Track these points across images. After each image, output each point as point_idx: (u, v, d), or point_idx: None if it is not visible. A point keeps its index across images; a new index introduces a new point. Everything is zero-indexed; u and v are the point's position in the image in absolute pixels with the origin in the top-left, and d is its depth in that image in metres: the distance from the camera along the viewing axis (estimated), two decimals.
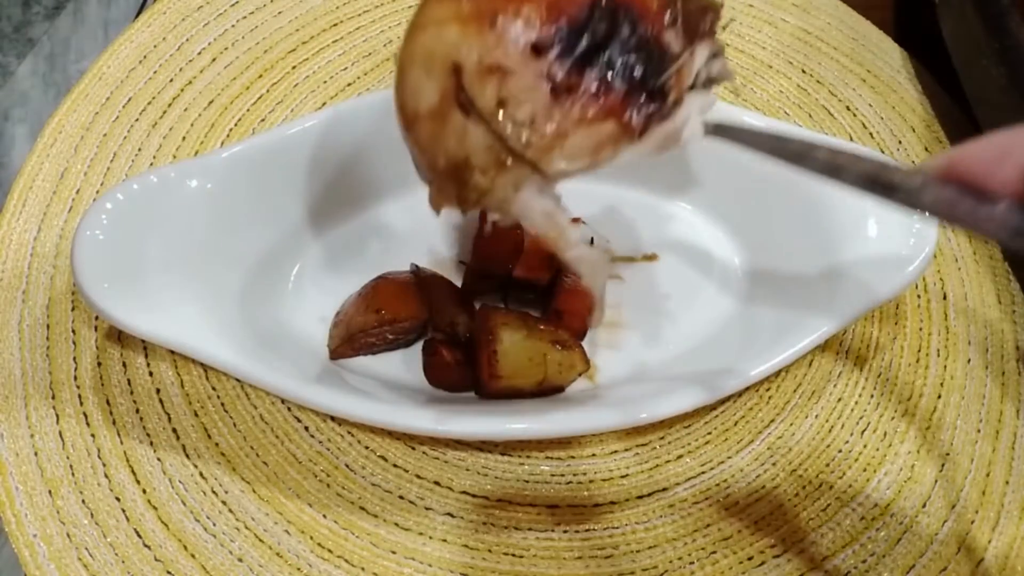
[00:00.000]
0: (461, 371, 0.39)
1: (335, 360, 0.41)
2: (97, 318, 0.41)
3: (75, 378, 0.40)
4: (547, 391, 0.39)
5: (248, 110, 0.49)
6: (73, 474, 0.38)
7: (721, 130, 0.30)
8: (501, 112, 0.27)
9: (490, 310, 0.39)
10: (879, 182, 0.24)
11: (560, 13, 0.27)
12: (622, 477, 0.40)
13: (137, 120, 0.48)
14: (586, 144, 0.27)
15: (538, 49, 0.26)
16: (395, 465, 0.39)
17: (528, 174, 0.27)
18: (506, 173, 0.27)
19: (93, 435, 0.39)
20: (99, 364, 0.40)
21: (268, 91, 0.50)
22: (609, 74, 0.27)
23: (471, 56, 0.27)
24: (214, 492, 0.38)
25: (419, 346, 0.41)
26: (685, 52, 0.28)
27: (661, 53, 0.28)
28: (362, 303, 0.41)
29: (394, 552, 0.37)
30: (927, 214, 0.23)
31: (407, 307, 0.40)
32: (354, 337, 0.40)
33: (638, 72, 0.27)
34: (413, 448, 0.40)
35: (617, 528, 0.38)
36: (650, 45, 0.28)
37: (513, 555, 0.38)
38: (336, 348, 0.40)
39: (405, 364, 0.42)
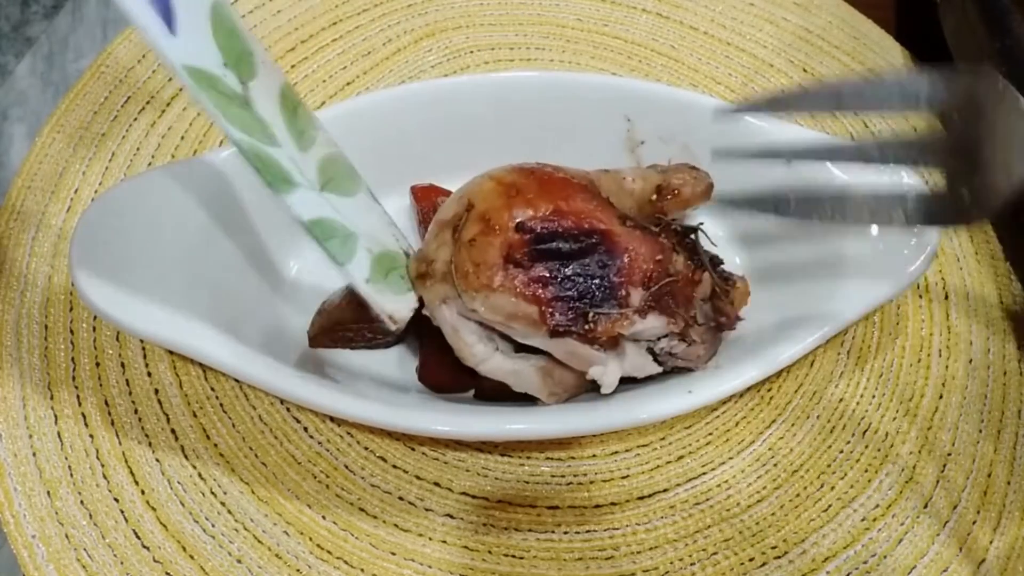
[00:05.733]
0: (455, 373, 0.39)
1: (314, 348, 0.41)
2: (95, 318, 0.41)
3: (73, 378, 0.40)
4: None
5: None
6: (72, 475, 0.37)
7: None
8: (467, 247, 0.35)
9: None
10: None
11: (554, 218, 0.35)
12: (623, 478, 0.40)
13: (136, 119, 0.47)
14: (504, 307, 0.34)
15: (519, 228, 0.34)
16: (395, 466, 0.39)
17: (453, 295, 0.35)
18: (441, 285, 0.36)
19: (92, 436, 0.38)
20: (97, 364, 0.40)
21: None
22: (556, 277, 0.34)
23: (481, 205, 0.35)
24: (213, 493, 0.38)
25: (409, 346, 0.41)
26: (631, 310, 0.34)
27: (615, 296, 0.34)
28: (347, 296, 0.40)
29: (394, 553, 0.37)
30: None
31: None
32: (333, 328, 0.40)
33: (582, 293, 0.34)
34: (413, 449, 0.40)
35: (618, 529, 0.38)
36: (609, 285, 0.34)
37: (513, 556, 0.37)
38: (314, 336, 0.40)
39: (400, 363, 0.41)
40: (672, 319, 0.35)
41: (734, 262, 0.45)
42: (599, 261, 0.35)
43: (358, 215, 0.38)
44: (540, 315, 0.34)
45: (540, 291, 0.34)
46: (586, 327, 0.34)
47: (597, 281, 0.34)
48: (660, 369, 0.37)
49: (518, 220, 0.35)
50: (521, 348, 0.37)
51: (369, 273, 0.37)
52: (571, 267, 0.34)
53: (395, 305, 0.38)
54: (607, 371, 0.35)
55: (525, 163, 0.38)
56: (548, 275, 0.34)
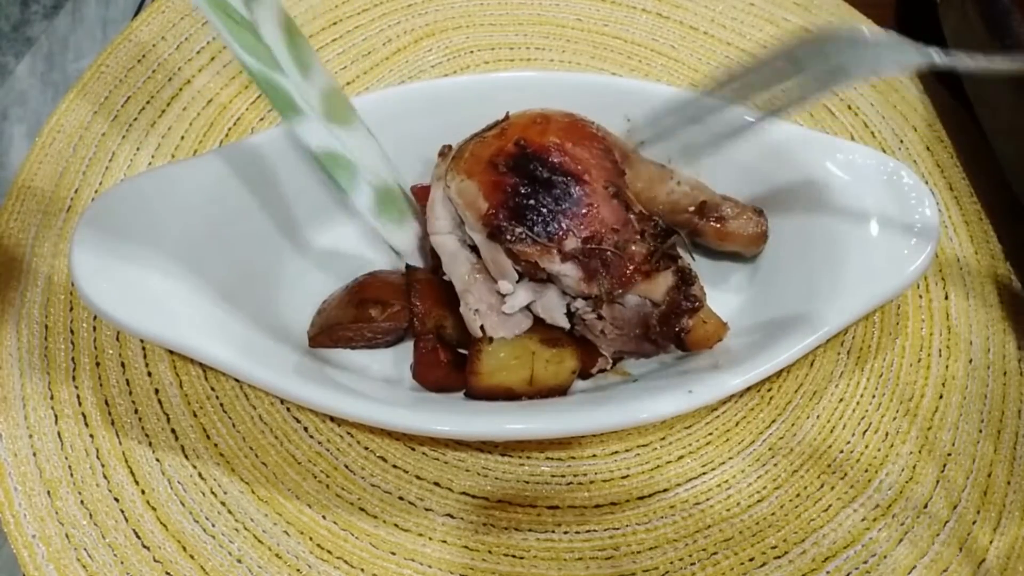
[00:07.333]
0: (450, 371, 0.39)
1: (313, 348, 0.41)
2: (95, 318, 0.41)
3: (73, 378, 0.40)
4: (544, 392, 0.39)
5: (247, 109, 0.49)
6: (72, 474, 0.37)
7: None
8: (477, 141, 0.40)
9: None
10: None
11: (550, 150, 0.38)
12: (623, 478, 0.40)
13: (136, 119, 0.47)
14: (468, 194, 0.38)
15: (517, 143, 0.38)
16: (395, 466, 0.39)
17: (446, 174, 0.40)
18: (444, 162, 0.41)
19: (92, 435, 0.38)
20: (97, 364, 0.40)
21: None
22: (518, 191, 0.37)
23: (513, 119, 0.40)
24: (213, 493, 0.38)
25: (407, 346, 0.41)
26: (557, 250, 0.36)
27: (554, 231, 0.37)
28: (345, 297, 0.41)
29: (394, 553, 0.37)
30: None
31: (388, 309, 0.40)
32: (332, 328, 0.40)
33: (529, 214, 0.37)
34: (413, 449, 0.40)
35: (618, 529, 0.38)
36: (555, 220, 0.37)
37: (513, 556, 0.37)
38: (314, 336, 0.40)
39: (396, 362, 0.41)
40: (588, 281, 0.37)
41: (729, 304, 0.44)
42: (560, 199, 0.37)
43: (357, 146, 0.41)
44: (487, 212, 0.37)
45: (499, 195, 0.37)
46: (513, 239, 0.37)
47: (547, 212, 0.37)
48: (567, 324, 0.39)
49: (521, 138, 0.38)
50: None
51: (373, 204, 0.40)
52: (536, 191, 0.37)
53: (399, 237, 0.41)
54: (516, 292, 0.38)
55: (577, 113, 0.41)
56: (513, 186, 0.37)
